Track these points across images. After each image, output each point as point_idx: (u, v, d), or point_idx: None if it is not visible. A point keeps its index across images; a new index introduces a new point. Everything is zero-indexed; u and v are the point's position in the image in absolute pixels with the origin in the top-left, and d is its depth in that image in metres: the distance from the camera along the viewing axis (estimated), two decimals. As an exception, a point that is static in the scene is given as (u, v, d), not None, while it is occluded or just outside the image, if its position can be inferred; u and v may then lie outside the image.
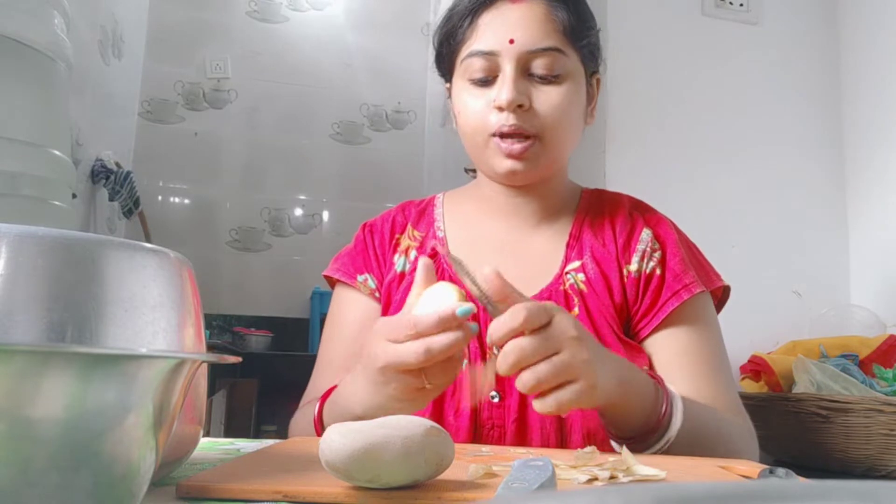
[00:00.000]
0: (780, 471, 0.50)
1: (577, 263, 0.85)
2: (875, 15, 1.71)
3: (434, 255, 0.88)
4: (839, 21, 1.82)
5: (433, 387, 0.62)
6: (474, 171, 0.97)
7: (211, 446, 0.66)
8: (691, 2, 1.75)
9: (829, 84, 1.80)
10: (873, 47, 1.71)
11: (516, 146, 0.80)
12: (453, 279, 0.79)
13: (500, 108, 0.79)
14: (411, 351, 0.59)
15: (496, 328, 0.59)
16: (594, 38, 0.87)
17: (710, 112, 1.73)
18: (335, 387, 0.77)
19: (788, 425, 1.25)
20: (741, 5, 1.76)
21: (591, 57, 0.86)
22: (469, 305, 0.59)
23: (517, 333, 0.59)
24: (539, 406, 0.61)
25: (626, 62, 1.67)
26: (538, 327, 0.60)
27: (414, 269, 0.87)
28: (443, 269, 0.86)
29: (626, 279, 0.84)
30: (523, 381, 0.59)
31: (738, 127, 1.74)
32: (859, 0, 1.76)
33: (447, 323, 0.59)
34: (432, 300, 0.62)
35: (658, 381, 0.71)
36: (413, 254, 0.90)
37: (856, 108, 1.76)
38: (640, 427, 0.69)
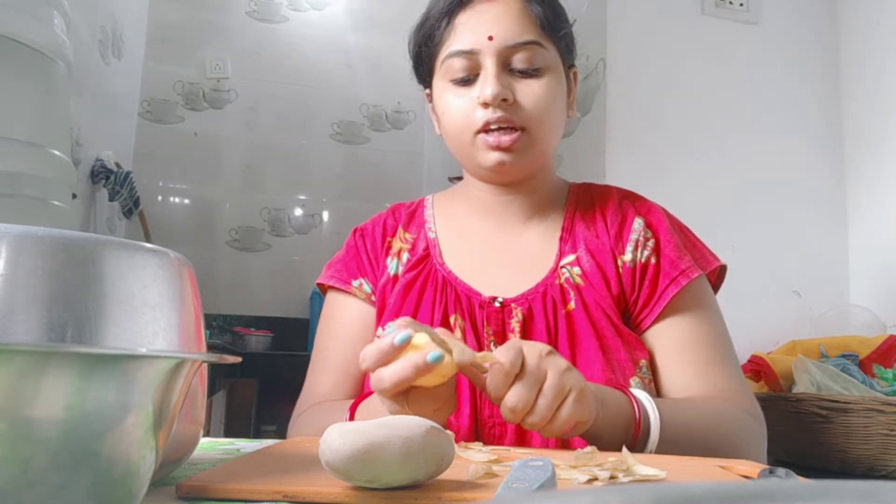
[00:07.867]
0: (780, 471, 0.50)
1: (571, 257, 0.85)
2: (875, 15, 1.71)
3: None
4: (839, 21, 1.82)
5: (414, 413, 0.62)
6: (459, 178, 0.97)
7: (211, 446, 0.66)
8: (691, 2, 1.75)
9: (829, 83, 1.80)
10: (873, 47, 1.71)
11: (505, 138, 0.80)
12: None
13: (485, 104, 0.79)
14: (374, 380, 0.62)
15: (494, 388, 0.60)
16: (569, 30, 0.88)
17: (709, 112, 1.73)
18: (363, 397, 0.77)
19: (788, 425, 1.25)
20: (741, 5, 1.76)
21: (567, 50, 0.87)
22: (405, 333, 0.61)
23: (512, 380, 0.60)
24: (548, 434, 0.62)
25: (626, 62, 1.67)
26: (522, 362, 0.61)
27: (407, 271, 0.87)
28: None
29: (621, 269, 0.83)
30: (530, 424, 0.61)
31: (738, 127, 1.74)
32: (859, 0, 1.76)
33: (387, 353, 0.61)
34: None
35: (627, 393, 0.71)
36: (405, 256, 0.89)
37: (856, 107, 1.76)
38: (618, 441, 0.68)
